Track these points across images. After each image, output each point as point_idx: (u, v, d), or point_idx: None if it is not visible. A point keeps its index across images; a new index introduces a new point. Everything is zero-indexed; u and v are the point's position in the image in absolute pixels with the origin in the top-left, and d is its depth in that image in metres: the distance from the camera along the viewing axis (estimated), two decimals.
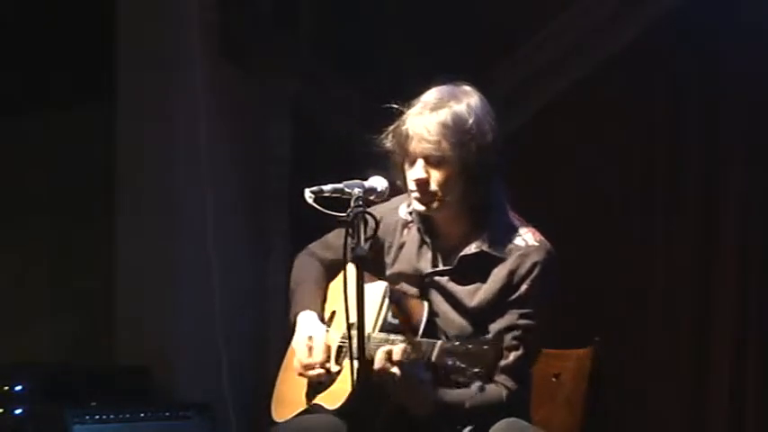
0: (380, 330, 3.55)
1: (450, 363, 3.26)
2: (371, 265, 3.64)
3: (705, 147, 5.26)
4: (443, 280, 3.63)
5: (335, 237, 3.85)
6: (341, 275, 3.80)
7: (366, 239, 3.40)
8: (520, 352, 3.51)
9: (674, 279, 5.29)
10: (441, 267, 3.64)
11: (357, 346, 3.30)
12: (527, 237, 3.61)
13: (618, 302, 5.37)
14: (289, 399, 3.79)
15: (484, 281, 3.58)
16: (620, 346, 5.20)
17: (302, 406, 3.71)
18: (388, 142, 3.61)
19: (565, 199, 5.50)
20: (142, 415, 5.30)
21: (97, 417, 5.20)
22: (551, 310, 3.59)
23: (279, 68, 5.90)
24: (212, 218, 5.80)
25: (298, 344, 3.71)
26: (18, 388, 5.34)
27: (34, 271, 6.33)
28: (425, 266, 3.66)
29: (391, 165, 3.63)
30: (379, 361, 3.41)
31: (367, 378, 3.36)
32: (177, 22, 5.86)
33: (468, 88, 3.60)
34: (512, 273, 3.55)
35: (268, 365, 5.16)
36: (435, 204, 3.56)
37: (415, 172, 3.55)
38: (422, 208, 3.59)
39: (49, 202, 6.33)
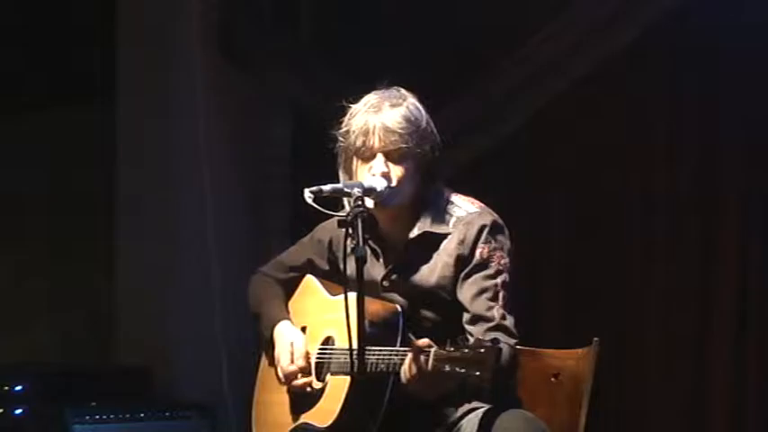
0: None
1: (447, 369, 3.24)
2: (336, 275, 3.69)
3: (705, 147, 5.26)
4: (399, 275, 3.63)
5: (292, 256, 3.88)
6: (301, 291, 3.84)
7: (365, 240, 3.40)
8: (501, 311, 3.52)
9: (674, 279, 5.29)
10: (392, 265, 3.64)
11: (358, 360, 3.30)
12: (466, 206, 3.62)
13: (618, 302, 5.36)
14: (272, 421, 3.80)
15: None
16: (620, 346, 5.20)
17: (289, 426, 3.71)
18: (341, 140, 3.61)
19: (564, 198, 5.49)
20: (142, 415, 5.30)
21: (97, 417, 5.21)
22: (510, 262, 3.59)
23: (279, 68, 5.90)
24: (212, 218, 5.80)
25: (281, 353, 3.72)
26: (18, 388, 5.34)
27: (34, 271, 6.32)
28: (380, 272, 3.65)
29: (341, 162, 3.63)
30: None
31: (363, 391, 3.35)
32: (177, 22, 5.86)
33: (405, 91, 3.62)
34: (461, 242, 3.57)
35: None
36: (395, 200, 3.56)
37: (377, 166, 3.55)
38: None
39: (49, 202, 6.32)
